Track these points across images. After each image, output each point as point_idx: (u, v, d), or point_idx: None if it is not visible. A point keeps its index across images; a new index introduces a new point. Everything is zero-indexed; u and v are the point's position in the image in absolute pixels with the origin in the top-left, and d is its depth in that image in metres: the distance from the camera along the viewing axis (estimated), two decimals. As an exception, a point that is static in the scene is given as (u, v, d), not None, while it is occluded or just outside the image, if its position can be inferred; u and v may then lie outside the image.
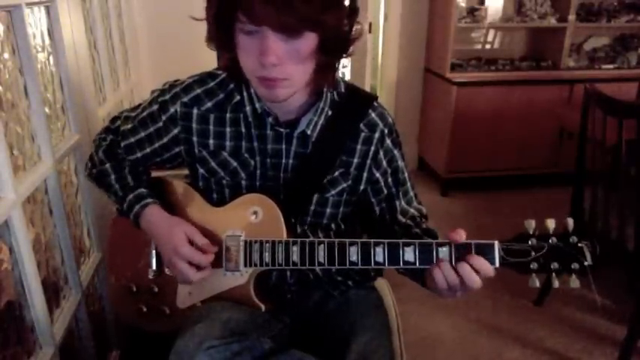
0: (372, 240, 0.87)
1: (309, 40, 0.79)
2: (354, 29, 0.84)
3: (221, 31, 0.82)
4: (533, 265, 0.83)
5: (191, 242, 0.93)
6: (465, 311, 2.11)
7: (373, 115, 0.98)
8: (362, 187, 1.01)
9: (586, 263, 0.82)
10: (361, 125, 0.97)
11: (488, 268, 0.81)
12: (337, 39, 0.83)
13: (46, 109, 1.14)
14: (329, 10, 0.76)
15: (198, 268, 0.92)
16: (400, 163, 1.03)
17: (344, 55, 0.87)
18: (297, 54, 0.79)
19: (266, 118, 0.94)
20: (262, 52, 0.76)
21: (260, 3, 0.72)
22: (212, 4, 0.81)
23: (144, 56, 2.41)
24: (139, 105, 1.04)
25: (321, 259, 0.89)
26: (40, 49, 1.16)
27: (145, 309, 1.04)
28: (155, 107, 0.98)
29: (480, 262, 0.81)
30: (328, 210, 1.00)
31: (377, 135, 0.98)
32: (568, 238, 0.83)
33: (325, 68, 0.86)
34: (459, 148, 3.10)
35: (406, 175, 1.04)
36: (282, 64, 0.78)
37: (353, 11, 0.83)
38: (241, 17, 0.75)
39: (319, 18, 0.75)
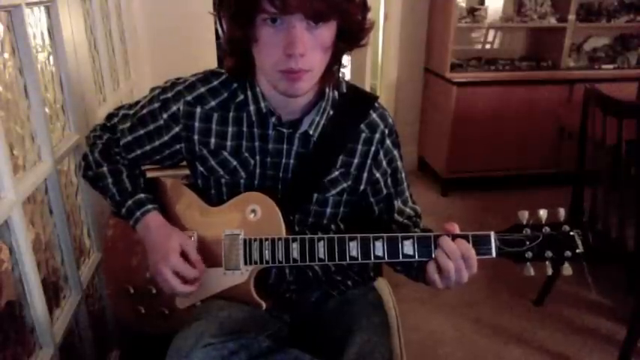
0: (371, 235, 0.88)
1: (330, 30, 0.82)
2: (367, 20, 0.87)
3: (240, 27, 0.82)
4: (528, 254, 0.87)
5: (183, 255, 0.93)
6: (465, 311, 2.11)
7: (374, 115, 0.99)
8: (362, 188, 1.01)
9: (578, 251, 0.85)
10: (362, 126, 0.98)
11: (472, 255, 0.84)
12: (355, 28, 0.86)
13: (46, 109, 1.14)
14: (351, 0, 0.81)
15: (184, 281, 0.92)
16: (399, 163, 1.04)
17: (360, 44, 0.90)
18: (320, 43, 0.81)
19: (269, 117, 0.94)
20: (290, 42, 0.77)
21: None
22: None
23: (144, 56, 2.41)
24: (137, 102, 1.03)
25: (321, 255, 0.89)
26: (40, 49, 1.16)
27: (143, 310, 1.03)
28: (156, 105, 0.98)
29: (465, 246, 0.84)
30: (328, 210, 1.00)
31: (377, 135, 0.98)
32: (560, 227, 0.86)
33: (338, 60, 0.89)
34: (459, 148, 3.10)
35: (403, 175, 1.05)
36: (307, 55, 0.80)
37: (365, 5, 0.86)
38: (268, 8, 0.76)
39: (344, 5, 0.79)
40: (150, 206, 0.97)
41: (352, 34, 0.86)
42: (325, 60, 0.85)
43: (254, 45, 0.83)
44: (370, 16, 0.88)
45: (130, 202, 0.98)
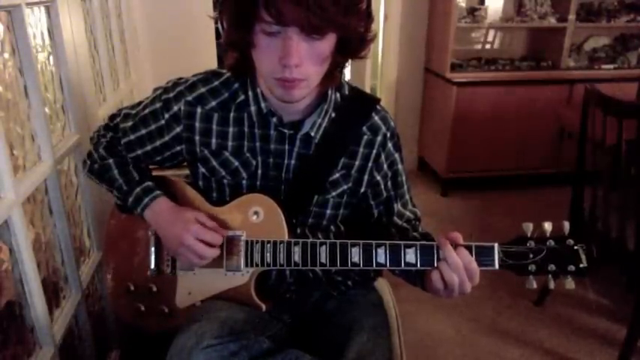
0: (373, 241, 0.88)
1: (329, 42, 0.81)
2: (369, 32, 0.86)
3: (238, 31, 0.82)
4: (531, 267, 0.86)
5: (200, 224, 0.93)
6: (465, 311, 2.11)
7: (376, 118, 0.99)
8: (362, 190, 1.01)
9: (582, 265, 0.84)
10: (364, 128, 0.98)
11: (474, 268, 0.84)
12: (355, 41, 0.85)
13: (46, 109, 1.14)
14: (351, 13, 0.79)
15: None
16: (400, 166, 1.04)
17: (359, 56, 0.89)
18: (317, 55, 0.80)
19: (270, 118, 0.94)
20: (286, 53, 0.77)
21: (289, 4, 0.73)
22: (230, 3, 0.81)
23: (144, 56, 2.41)
24: (140, 102, 1.03)
25: (323, 260, 0.89)
26: (40, 49, 1.16)
27: (143, 308, 1.03)
28: (158, 105, 0.98)
29: (467, 258, 0.84)
30: (328, 211, 1.00)
31: (379, 138, 0.99)
32: (565, 241, 0.85)
33: (337, 69, 0.88)
34: (458, 148, 3.10)
35: (404, 178, 1.05)
36: (302, 65, 0.79)
37: (369, 16, 0.85)
38: (266, 17, 0.76)
39: (343, 20, 0.77)
40: (158, 192, 0.98)
41: (351, 46, 0.86)
42: (322, 69, 0.84)
43: (253, 49, 0.83)
44: (373, 27, 0.87)
45: (138, 189, 0.98)
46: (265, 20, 0.76)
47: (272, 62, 0.80)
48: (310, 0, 0.73)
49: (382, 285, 1.20)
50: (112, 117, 1.07)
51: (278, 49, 0.78)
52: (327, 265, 0.89)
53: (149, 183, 0.99)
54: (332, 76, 0.89)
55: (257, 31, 0.79)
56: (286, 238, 0.92)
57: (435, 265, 0.86)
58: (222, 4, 0.83)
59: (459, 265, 0.83)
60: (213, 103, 0.95)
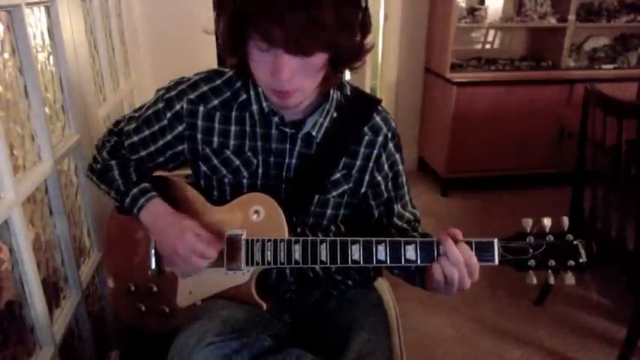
0: (373, 238, 0.88)
1: (321, 57, 0.80)
2: (365, 43, 0.85)
3: (234, 43, 0.83)
4: (531, 263, 0.86)
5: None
6: (465, 311, 2.11)
7: (377, 118, 0.99)
8: (363, 190, 1.01)
9: (581, 260, 0.84)
10: (365, 128, 0.98)
11: (474, 263, 0.84)
12: (349, 55, 0.85)
13: (46, 109, 1.14)
14: (343, 32, 0.78)
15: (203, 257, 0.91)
16: (400, 167, 1.04)
17: (354, 67, 0.88)
18: (308, 69, 0.80)
19: (272, 117, 0.94)
20: (276, 69, 0.78)
21: (276, 27, 0.73)
22: (225, 18, 0.81)
23: (144, 56, 2.41)
24: (143, 105, 1.04)
25: (324, 258, 0.89)
26: (40, 49, 1.16)
27: (143, 308, 1.04)
28: (160, 105, 0.98)
29: (468, 253, 0.84)
30: (329, 211, 1.00)
31: (380, 139, 0.99)
32: (564, 236, 0.85)
33: (334, 75, 0.88)
34: (459, 148, 3.10)
35: (404, 179, 1.05)
36: (295, 78, 0.80)
37: (365, 26, 0.84)
38: (256, 37, 0.76)
39: (333, 40, 0.77)
40: (154, 193, 0.98)
41: (344, 60, 0.85)
42: (316, 80, 0.84)
43: (249, 59, 0.83)
44: (368, 40, 0.85)
45: (135, 190, 0.98)
46: (256, 40, 0.77)
47: (265, 75, 0.81)
48: (296, 23, 0.72)
49: (382, 285, 1.20)
50: (117, 122, 1.08)
51: (270, 64, 0.78)
52: (328, 262, 0.89)
53: (146, 184, 0.99)
54: (334, 76, 0.89)
55: (251, 46, 0.80)
56: (286, 236, 0.92)
57: (435, 260, 0.86)
58: (220, 11, 0.84)
59: (460, 260, 0.83)
60: (216, 102, 0.96)
